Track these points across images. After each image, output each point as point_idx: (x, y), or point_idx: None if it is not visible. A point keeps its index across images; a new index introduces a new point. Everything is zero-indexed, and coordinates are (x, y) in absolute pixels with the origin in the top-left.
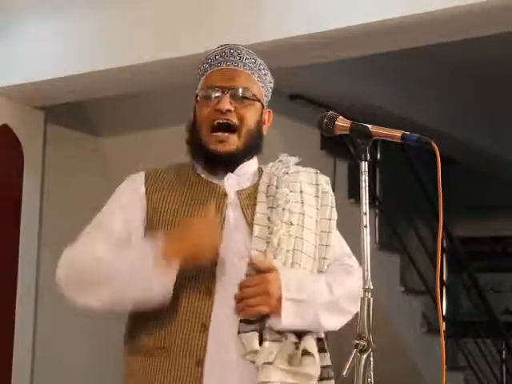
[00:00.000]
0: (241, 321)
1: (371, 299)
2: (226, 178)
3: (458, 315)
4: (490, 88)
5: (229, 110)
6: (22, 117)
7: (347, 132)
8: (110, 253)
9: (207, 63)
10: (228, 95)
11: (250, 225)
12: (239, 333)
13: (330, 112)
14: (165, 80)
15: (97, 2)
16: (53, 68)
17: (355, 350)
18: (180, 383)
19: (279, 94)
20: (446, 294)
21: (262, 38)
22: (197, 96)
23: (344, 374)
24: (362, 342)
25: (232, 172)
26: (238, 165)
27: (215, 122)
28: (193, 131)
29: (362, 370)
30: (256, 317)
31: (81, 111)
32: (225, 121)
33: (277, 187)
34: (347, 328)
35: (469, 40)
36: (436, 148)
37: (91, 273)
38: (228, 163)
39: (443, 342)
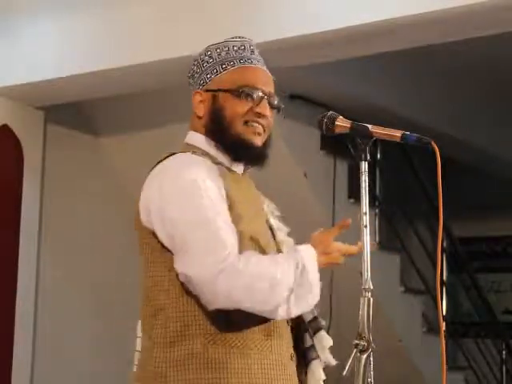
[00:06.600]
0: None
1: (371, 299)
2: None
3: (458, 315)
4: (490, 88)
5: (266, 116)
6: (22, 117)
7: (347, 132)
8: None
9: (234, 56)
10: (267, 101)
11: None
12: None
13: (330, 112)
14: (165, 80)
15: (97, 2)
16: (53, 68)
17: (355, 350)
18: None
19: (279, 94)
20: (446, 294)
21: (261, 37)
22: (222, 89)
23: (344, 373)
24: (362, 342)
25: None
26: (254, 165)
27: (249, 123)
28: (220, 123)
29: (362, 369)
30: None
31: (81, 111)
32: (259, 125)
33: None
34: (347, 328)
35: (469, 40)
36: (436, 148)
37: None
38: (255, 158)
39: (443, 342)
